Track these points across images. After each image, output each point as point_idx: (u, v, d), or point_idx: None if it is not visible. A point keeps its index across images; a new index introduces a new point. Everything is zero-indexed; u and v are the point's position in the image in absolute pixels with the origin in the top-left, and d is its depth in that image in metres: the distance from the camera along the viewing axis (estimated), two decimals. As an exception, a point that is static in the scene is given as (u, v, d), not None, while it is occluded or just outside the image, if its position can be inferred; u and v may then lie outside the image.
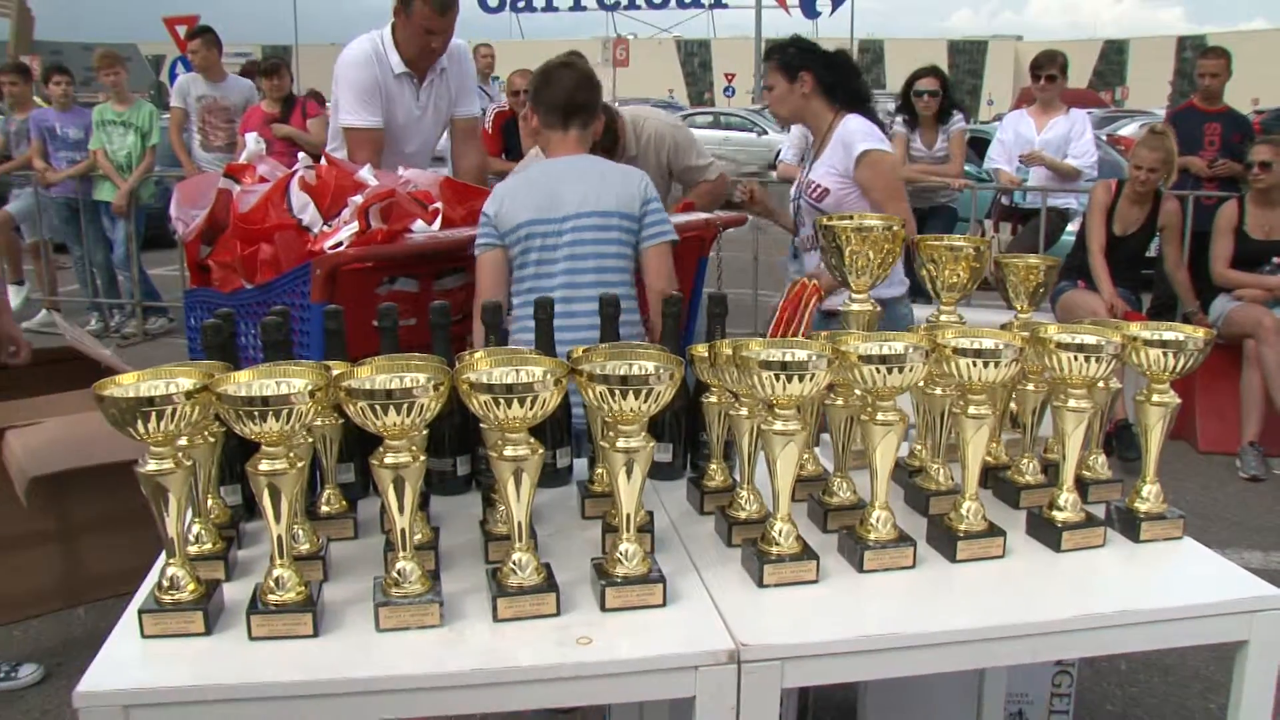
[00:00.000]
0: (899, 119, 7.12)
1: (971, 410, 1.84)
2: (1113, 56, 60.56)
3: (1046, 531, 1.93)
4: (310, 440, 1.83)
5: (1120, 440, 5.25)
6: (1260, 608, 1.75)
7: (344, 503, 1.99)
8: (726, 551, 1.89)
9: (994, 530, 1.88)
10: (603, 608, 1.66)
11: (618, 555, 1.68)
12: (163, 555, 1.65)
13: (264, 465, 1.55)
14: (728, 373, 1.85)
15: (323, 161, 3.40)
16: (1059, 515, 1.92)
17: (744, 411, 1.86)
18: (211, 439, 1.79)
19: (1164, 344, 1.87)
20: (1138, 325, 1.96)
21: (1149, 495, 1.97)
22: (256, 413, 1.50)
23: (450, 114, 4.20)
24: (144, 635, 1.58)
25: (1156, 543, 1.95)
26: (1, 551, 3.48)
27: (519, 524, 1.64)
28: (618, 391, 1.59)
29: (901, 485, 2.14)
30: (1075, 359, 1.82)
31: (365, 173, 3.27)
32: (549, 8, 50.81)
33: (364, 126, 3.88)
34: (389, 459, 1.57)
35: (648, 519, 1.86)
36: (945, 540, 1.87)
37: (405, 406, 1.53)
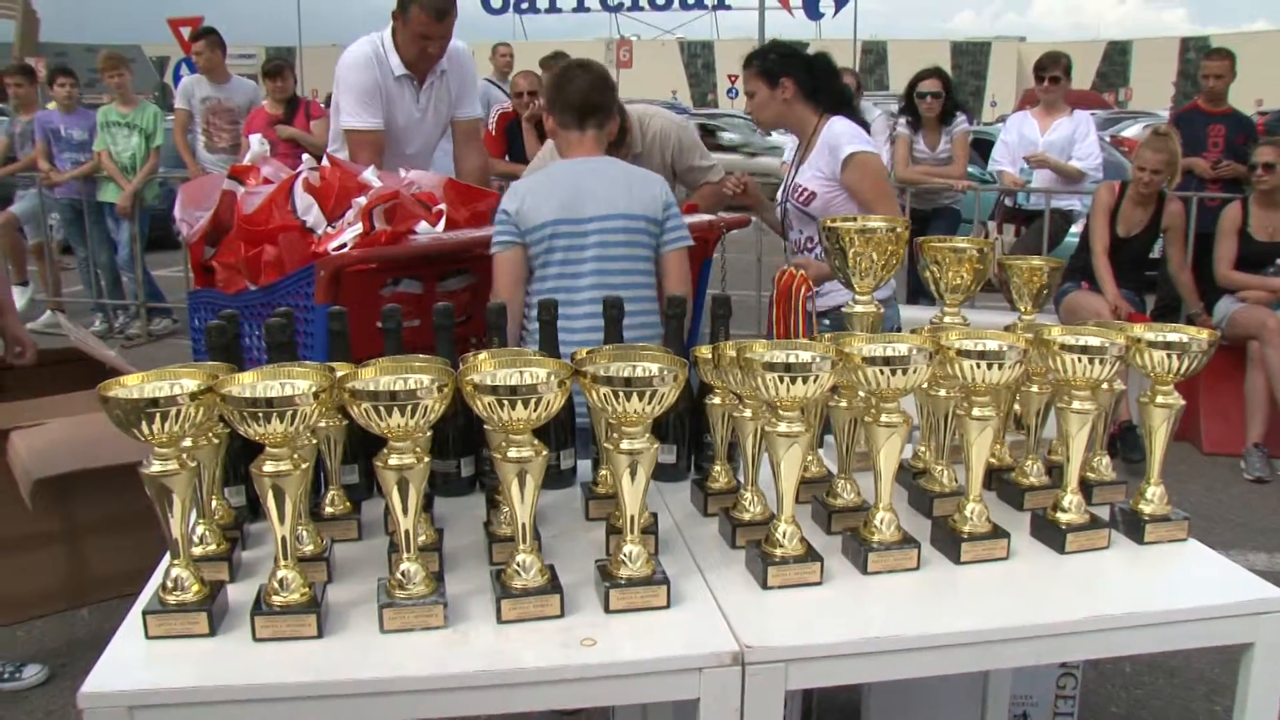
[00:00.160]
0: (902, 120, 7.12)
1: (975, 412, 1.83)
2: (1116, 58, 60.51)
3: (1051, 533, 1.92)
4: (314, 441, 1.83)
5: (1124, 442, 5.24)
6: (1265, 610, 1.75)
7: (348, 504, 2.00)
8: (730, 553, 1.89)
9: (998, 532, 1.88)
10: (607, 609, 1.66)
11: (622, 557, 1.68)
12: (167, 556, 1.65)
13: (268, 466, 1.56)
14: (731, 374, 1.85)
15: (325, 162, 3.40)
16: (1063, 517, 1.92)
17: (748, 413, 1.86)
18: (216, 440, 1.79)
19: (1168, 346, 1.87)
20: (1141, 327, 1.96)
21: (1153, 497, 1.97)
22: (261, 414, 1.50)
23: (451, 116, 4.20)
24: (148, 636, 1.58)
25: (1161, 545, 1.95)
26: (6, 552, 3.48)
27: (523, 526, 1.64)
28: (622, 393, 1.59)
29: (905, 487, 2.14)
30: (1079, 361, 1.82)
31: (369, 174, 3.28)
32: (552, 9, 50.78)
33: (365, 128, 3.89)
34: (393, 460, 1.58)
35: (652, 521, 1.86)
36: (949, 542, 1.87)
37: (409, 408, 1.53)
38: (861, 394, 1.94)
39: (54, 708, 3.22)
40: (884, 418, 1.77)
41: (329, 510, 1.97)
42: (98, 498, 3.53)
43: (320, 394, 1.54)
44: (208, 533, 1.81)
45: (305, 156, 3.68)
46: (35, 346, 3.62)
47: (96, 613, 3.62)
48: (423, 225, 3.13)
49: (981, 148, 9.28)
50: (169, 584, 1.60)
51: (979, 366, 1.78)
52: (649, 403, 1.60)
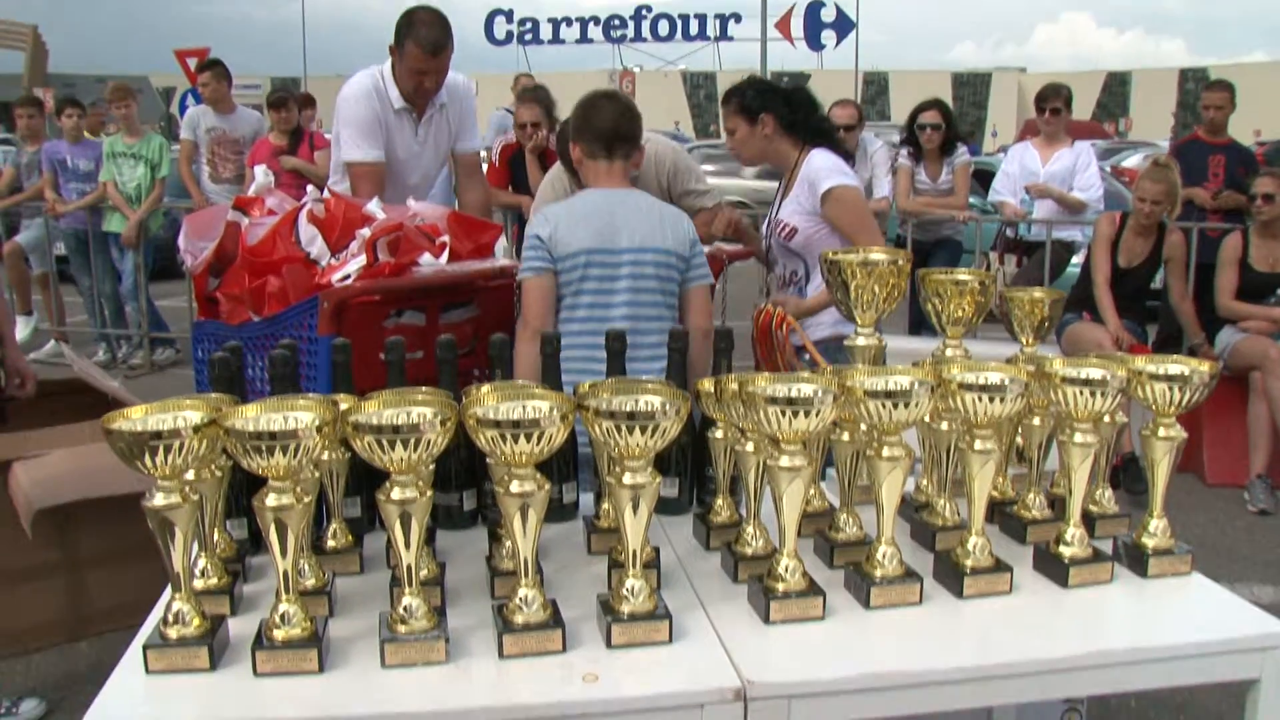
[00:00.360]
0: (904, 151, 7.16)
1: (977, 445, 1.83)
2: (1115, 88, 60.71)
3: (1054, 567, 1.92)
4: (317, 475, 1.83)
5: (1127, 473, 5.23)
6: (1272, 645, 1.74)
7: (350, 537, 1.99)
8: (732, 587, 1.88)
9: (1001, 566, 1.87)
10: (609, 644, 1.65)
11: (624, 591, 1.68)
12: (168, 589, 1.65)
13: (270, 500, 1.55)
14: (734, 408, 1.85)
15: (326, 194, 3.41)
16: (1066, 551, 1.91)
17: (750, 447, 1.86)
18: (218, 473, 1.79)
19: (1169, 378, 1.87)
20: (1143, 359, 1.96)
21: (1156, 530, 1.97)
22: (264, 447, 1.50)
23: (451, 149, 4.23)
24: (148, 671, 1.58)
25: (1165, 578, 1.94)
26: (6, 584, 3.47)
27: (525, 560, 1.64)
28: (624, 427, 1.59)
29: (908, 520, 2.14)
30: (1081, 394, 1.82)
31: (373, 206, 3.29)
32: (555, 40, 51.14)
33: (366, 160, 3.92)
34: (395, 494, 1.57)
35: (654, 555, 1.86)
36: (952, 576, 1.86)
37: (412, 442, 1.53)
38: (863, 427, 1.94)
39: (53, 741, 3.20)
40: (886, 451, 1.77)
41: (331, 543, 1.97)
42: (99, 529, 3.53)
43: (323, 427, 1.54)
44: (209, 566, 1.80)
45: (310, 188, 3.70)
46: (35, 378, 3.63)
47: (96, 646, 3.61)
48: (426, 257, 3.15)
49: (983, 178, 9.31)
50: (170, 617, 1.60)
51: (981, 400, 1.78)
52: (651, 436, 1.60)
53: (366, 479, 2.01)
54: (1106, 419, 2.04)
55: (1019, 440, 2.22)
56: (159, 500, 1.54)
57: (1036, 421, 2.12)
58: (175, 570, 1.59)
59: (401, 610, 1.62)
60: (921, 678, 1.63)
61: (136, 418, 1.57)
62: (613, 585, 1.76)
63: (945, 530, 2.03)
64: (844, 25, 36.47)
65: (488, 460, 1.80)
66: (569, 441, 1.88)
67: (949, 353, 2.20)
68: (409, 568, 1.61)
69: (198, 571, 1.78)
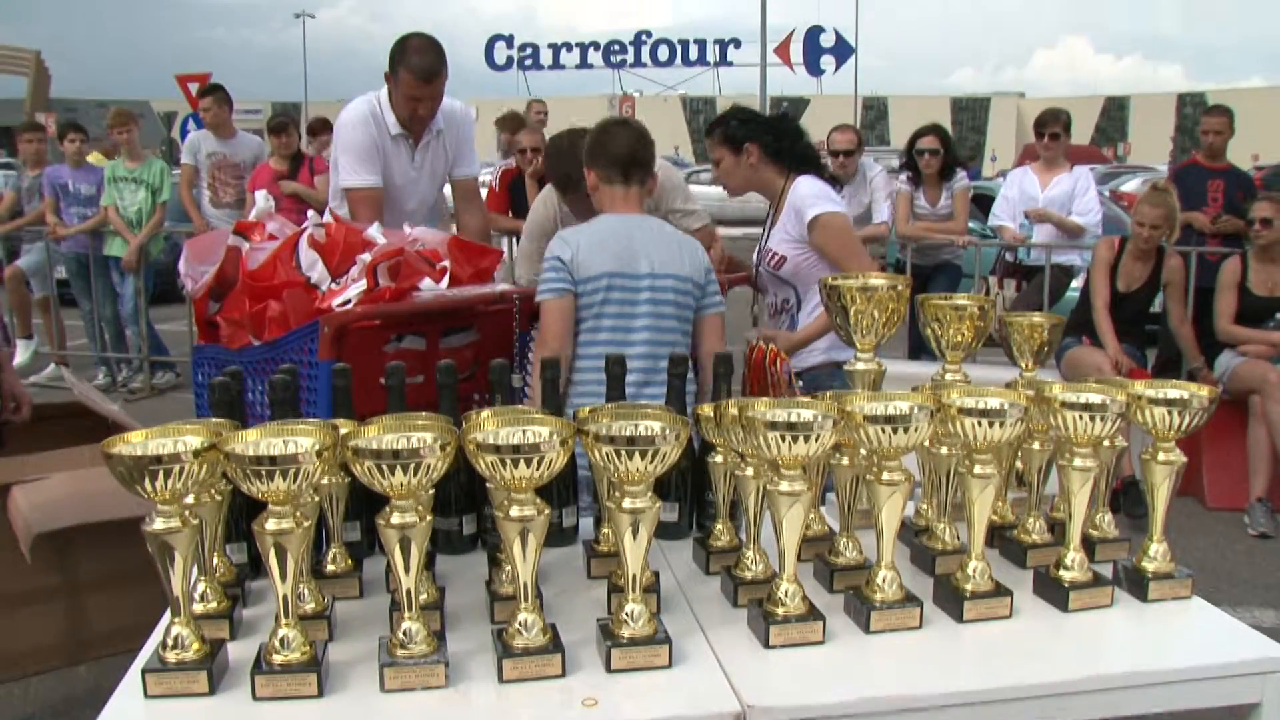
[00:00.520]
0: (903, 176, 7.19)
1: (977, 470, 1.84)
2: (1114, 113, 61.00)
3: (1054, 591, 1.92)
4: (316, 499, 1.83)
5: (1127, 497, 5.23)
6: (1272, 669, 1.74)
7: (349, 561, 1.99)
8: (732, 612, 1.88)
9: (1001, 590, 1.87)
10: (608, 669, 1.65)
11: (623, 616, 1.68)
12: (167, 613, 1.64)
13: (270, 524, 1.56)
14: (733, 433, 1.85)
15: (327, 217, 3.42)
16: (1066, 575, 1.91)
17: (750, 471, 1.86)
18: (218, 497, 1.79)
19: (1169, 402, 1.87)
20: (1142, 383, 1.96)
21: (1156, 554, 1.97)
22: (264, 472, 1.50)
23: (447, 174, 4.25)
24: (147, 695, 1.58)
25: (1165, 602, 1.94)
26: (4, 607, 3.46)
27: (525, 584, 1.64)
28: (624, 452, 1.59)
29: (908, 545, 2.14)
30: (1080, 418, 1.83)
31: (374, 231, 3.30)
32: (556, 65, 51.38)
33: (363, 186, 3.94)
34: (395, 519, 1.58)
35: (653, 579, 1.86)
36: (952, 600, 1.86)
37: (412, 467, 1.53)
38: (863, 452, 1.95)
39: (50, 766, 3.19)
40: (886, 476, 1.78)
41: (331, 568, 1.97)
42: (98, 553, 3.52)
43: (323, 452, 1.55)
44: (209, 590, 1.80)
45: (310, 213, 3.71)
46: (31, 402, 3.63)
47: (95, 670, 3.59)
48: (426, 282, 3.15)
49: (982, 203, 9.35)
50: (169, 642, 1.60)
51: (980, 424, 1.78)
52: (651, 462, 1.60)
53: (366, 503, 2.01)
54: (1106, 443, 2.04)
55: (1019, 464, 2.22)
56: (159, 525, 1.54)
57: (1036, 446, 2.13)
58: (175, 594, 1.59)
59: (401, 634, 1.62)
60: (921, 702, 1.63)
61: (136, 442, 1.58)
62: (612, 609, 1.76)
63: (945, 554, 2.03)
64: (843, 51, 36.66)
65: (487, 485, 1.80)
66: (569, 466, 1.89)
67: (948, 377, 2.21)
68: (409, 592, 1.61)
69: (197, 596, 1.78)
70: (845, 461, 2.03)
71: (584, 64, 51.28)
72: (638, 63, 50.27)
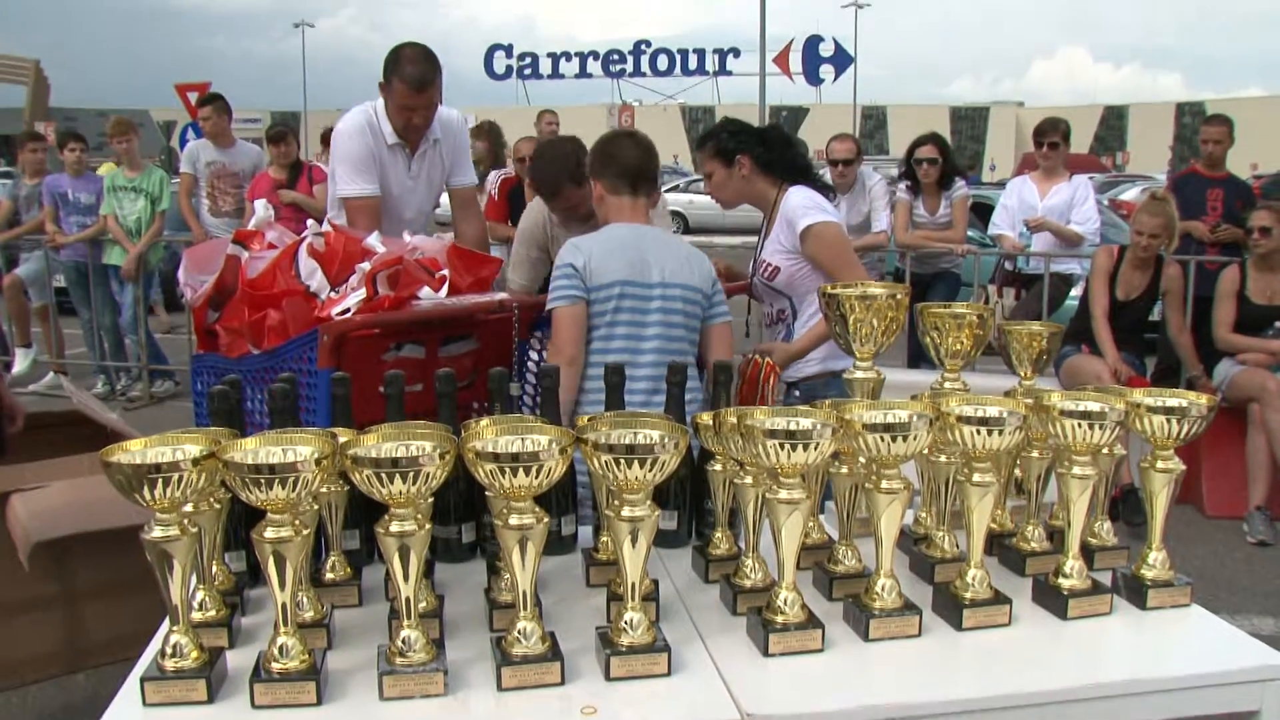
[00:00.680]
0: (902, 185, 7.20)
1: (976, 478, 1.84)
2: (1113, 122, 61.14)
3: (1052, 599, 1.92)
4: (315, 507, 1.83)
5: (1126, 505, 5.23)
6: (1271, 677, 1.74)
7: (348, 570, 1.99)
8: (731, 620, 1.88)
9: (1000, 598, 1.87)
10: (607, 677, 1.65)
11: (622, 624, 1.67)
12: (166, 622, 1.64)
13: (269, 532, 1.56)
14: (732, 441, 1.85)
15: (326, 226, 3.43)
16: (1065, 583, 1.91)
17: (749, 480, 1.86)
18: (217, 505, 1.79)
19: (1167, 411, 1.88)
20: (1141, 392, 1.96)
21: (1155, 562, 1.97)
22: (263, 480, 1.50)
23: (444, 183, 4.26)
24: (146, 703, 1.57)
25: (1164, 610, 1.94)
26: (2, 616, 3.45)
27: (524, 592, 1.64)
28: (623, 460, 1.59)
29: (906, 553, 2.13)
30: (1079, 426, 1.82)
31: (373, 240, 3.30)
32: (555, 75, 51.48)
33: (361, 195, 3.95)
34: (394, 527, 1.58)
35: (652, 587, 1.86)
36: (951, 608, 1.86)
37: (411, 475, 1.53)
38: (862, 460, 1.95)
39: (48, 775, 3.18)
40: (884, 484, 1.78)
41: (329, 576, 1.97)
42: (97, 561, 3.52)
43: (322, 461, 1.55)
44: (207, 598, 1.80)
45: (310, 222, 3.72)
46: (25, 412, 3.63)
47: (93, 678, 3.59)
48: (425, 291, 3.16)
49: (981, 212, 9.36)
50: (167, 650, 1.60)
51: (979, 433, 1.78)
52: (650, 470, 1.60)
53: (365, 512, 2.01)
54: (1105, 451, 2.05)
55: (1018, 472, 2.22)
56: (157, 533, 1.54)
57: (1035, 454, 2.13)
58: (173, 603, 1.59)
59: (400, 643, 1.62)
60: (920, 710, 1.63)
61: (135, 450, 1.58)
62: (611, 618, 1.76)
63: (944, 562, 2.03)
64: (842, 60, 36.72)
65: (487, 493, 1.80)
66: (568, 474, 1.89)
67: (947, 386, 2.21)
68: (407, 600, 1.61)
69: (196, 604, 1.78)
70: (844, 470, 2.03)
71: (583, 73, 51.41)
72: (637, 72, 50.39)
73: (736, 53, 48.77)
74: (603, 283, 3.07)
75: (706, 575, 2.06)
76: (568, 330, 3.07)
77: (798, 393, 3.60)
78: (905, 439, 1.73)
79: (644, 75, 50.74)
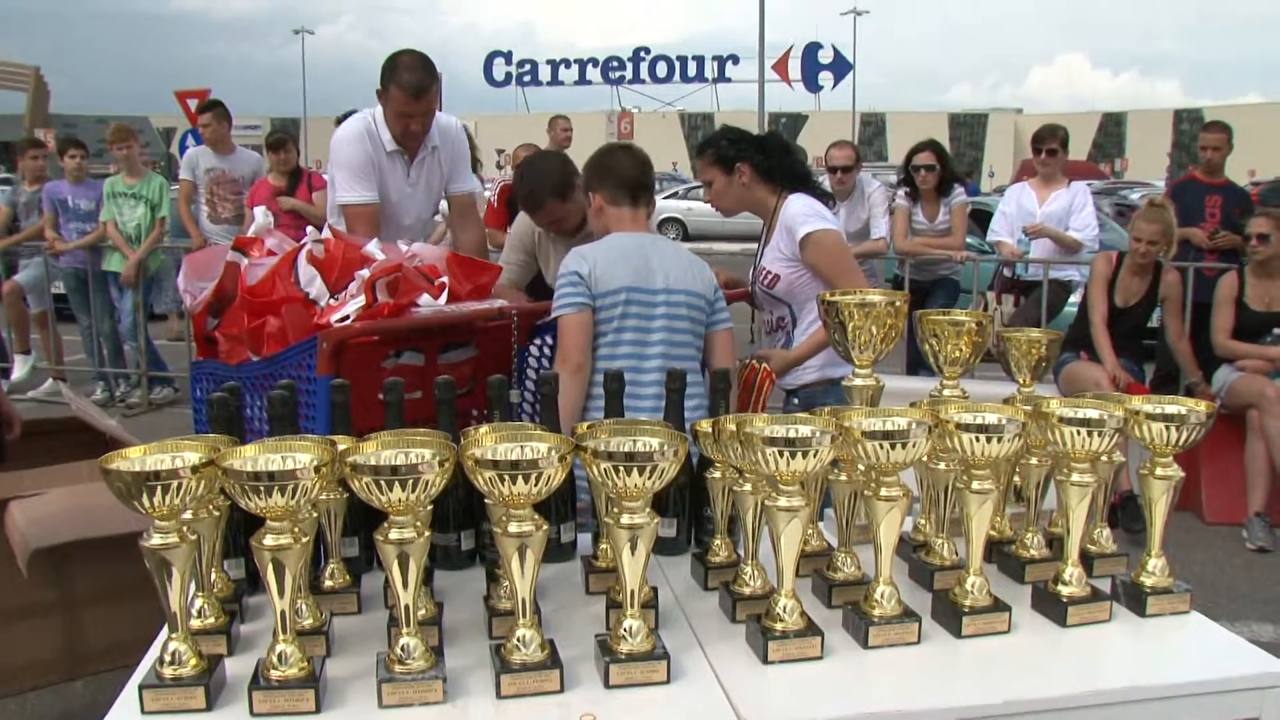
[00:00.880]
0: (901, 192, 7.21)
1: (975, 485, 1.84)
2: (1111, 129, 61.21)
3: (1052, 606, 1.92)
4: (315, 515, 1.83)
5: (1126, 512, 5.23)
6: (1271, 684, 1.73)
7: (348, 577, 1.99)
8: (730, 627, 1.88)
9: (999, 605, 1.87)
10: (606, 685, 1.65)
11: (621, 632, 1.67)
12: (164, 629, 1.64)
13: (268, 540, 1.56)
14: (731, 448, 1.85)
15: (325, 233, 3.43)
16: (1064, 590, 1.91)
17: (748, 487, 1.86)
18: (216, 513, 1.79)
19: (1166, 418, 1.87)
20: (1140, 399, 1.96)
21: (1155, 569, 1.97)
22: (262, 488, 1.50)
23: (443, 190, 4.27)
24: (144, 711, 1.57)
25: (1163, 617, 1.94)
26: (1, 622, 3.45)
27: (523, 600, 1.64)
28: (622, 468, 1.59)
29: (906, 560, 2.13)
30: (1078, 434, 1.83)
31: (372, 247, 3.31)
32: (554, 82, 51.57)
33: (360, 202, 3.96)
34: (393, 534, 1.58)
35: (651, 595, 1.86)
36: (950, 616, 1.86)
37: (410, 483, 1.53)
38: (861, 467, 1.95)
39: (46, 783, 3.18)
40: (884, 491, 1.78)
41: (329, 583, 1.97)
42: (95, 568, 3.52)
43: (321, 468, 1.55)
44: (206, 606, 1.80)
45: (309, 228, 3.72)
46: (21, 419, 3.63)
47: (91, 685, 3.58)
48: (425, 298, 3.16)
49: (980, 218, 9.37)
50: (166, 657, 1.60)
51: (978, 440, 1.78)
52: (649, 478, 1.60)
53: (364, 519, 2.01)
54: (1104, 458, 2.05)
55: (1017, 480, 2.22)
56: (156, 540, 1.54)
57: (1034, 461, 2.13)
58: (172, 610, 1.59)
59: (399, 650, 1.62)
60: (920, 717, 1.63)
61: (134, 457, 1.58)
62: (611, 625, 1.76)
63: (943, 570, 2.03)
64: (841, 67, 36.82)
65: (486, 501, 1.80)
66: (567, 481, 1.89)
67: (946, 393, 2.21)
68: (407, 608, 1.61)
69: (194, 611, 1.78)
70: (843, 477, 2.03)
71: (583, 80, 51.51)
72: (636, 79, 50.49)
73: (736, 60, 48.87)
74: (608, 289, 3.09)
75: (706, 582, 2.06)
76: (574, 337, 3.08)
77: (797, 400, 3.60)
78: (904, 446, 1.73)
79: (643, 82, 50.85)
